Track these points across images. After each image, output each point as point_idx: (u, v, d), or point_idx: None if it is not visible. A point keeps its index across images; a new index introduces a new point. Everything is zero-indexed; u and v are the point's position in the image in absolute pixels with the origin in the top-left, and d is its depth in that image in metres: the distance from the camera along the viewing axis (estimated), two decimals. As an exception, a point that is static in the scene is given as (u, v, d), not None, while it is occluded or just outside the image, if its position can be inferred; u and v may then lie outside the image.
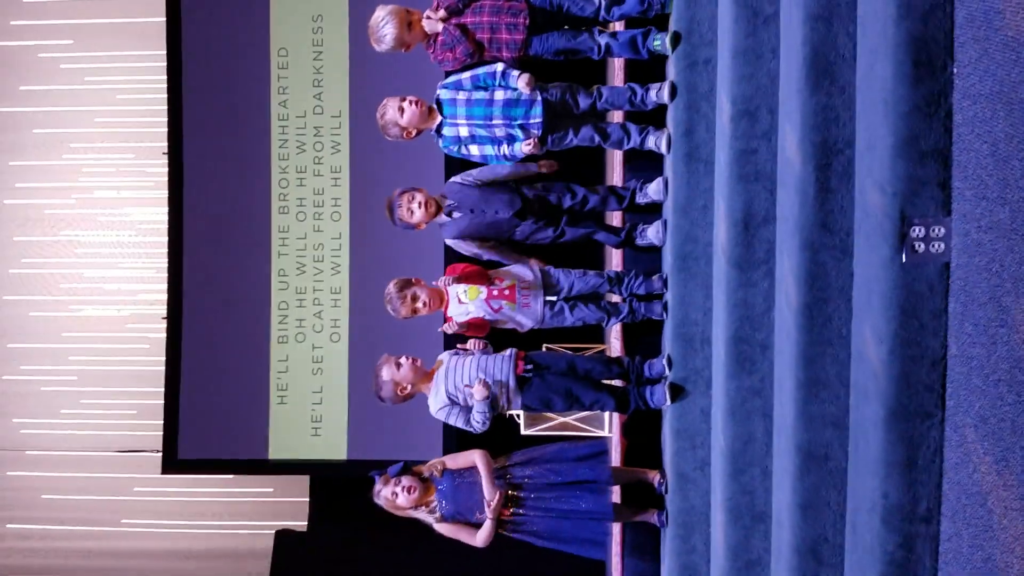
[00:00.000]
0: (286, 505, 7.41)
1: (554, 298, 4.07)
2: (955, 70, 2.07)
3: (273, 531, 7.19)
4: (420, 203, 4.03)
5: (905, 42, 2.10)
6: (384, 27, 3.91)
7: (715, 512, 3.56)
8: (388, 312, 4.07)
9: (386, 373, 3.97)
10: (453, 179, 4.19)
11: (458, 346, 4.14)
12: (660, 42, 3.88)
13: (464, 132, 3.97)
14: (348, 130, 6.81)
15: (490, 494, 3.91)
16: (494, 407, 3.94)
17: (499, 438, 4.55)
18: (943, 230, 2.12)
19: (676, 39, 3.78)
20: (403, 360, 3.96)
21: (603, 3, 3.91)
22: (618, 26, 4.28)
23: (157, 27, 6.97)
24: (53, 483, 7.62)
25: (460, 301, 4.04)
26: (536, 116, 3.92)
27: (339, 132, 6.84)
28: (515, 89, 3.91)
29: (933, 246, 2.12)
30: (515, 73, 3.89)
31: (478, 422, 3.94)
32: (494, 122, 3.93)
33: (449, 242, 4.18)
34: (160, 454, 6.97)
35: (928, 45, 2.08)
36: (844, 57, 2.51)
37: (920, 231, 2.13)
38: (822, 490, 2.63)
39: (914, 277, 2.14)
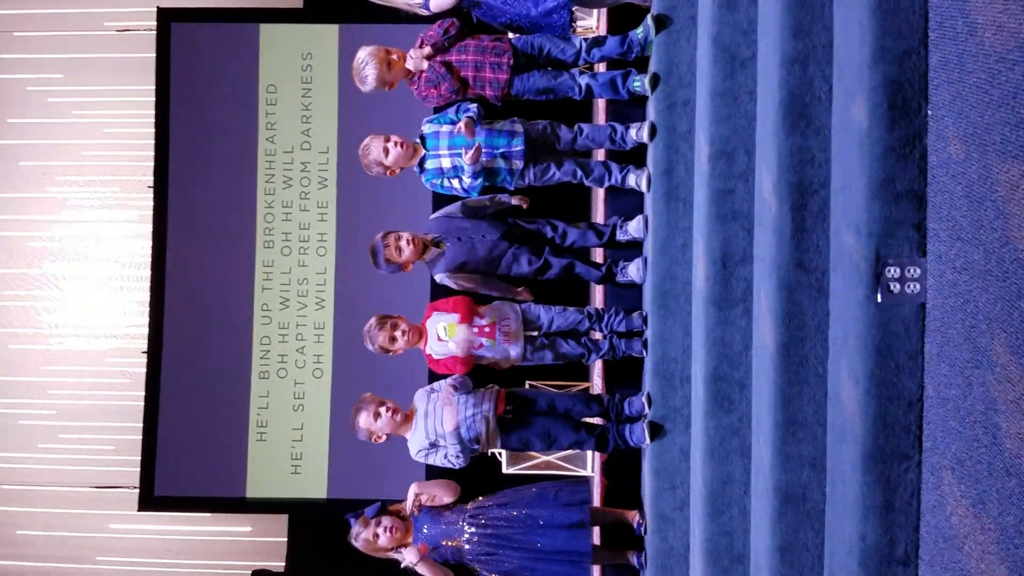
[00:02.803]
0: (264, 545, 7.30)
1: (534, 334, 4.06)
2: (930, 112, 2.09)
3: (250, 571, 7.08)
4: (408, 241, 4.03)
5: (880, 85, 2.12)
6: (365, 68, 3.96)
7: (694, 554, 3.51)
8: (366, 347, 4.05)
9: (363, 421, 3.93)
10: (434, 215, 4.21)
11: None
12: (640, 83, 3.93)
13: (446, 164, 3.99)
14: (335, 166, 6.82)
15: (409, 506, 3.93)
16: (472, 443, 3.92)
17: (481, 477, 4.51)
18: (918, 271, 2.12)
19: (655, 81, 3.81)
20: (383, 411, 3.91)
21: (584, 45, 3.97)
22: (599, 67, 4.33)
23: (146, 62, 7.01)
24: (29, 519, 7.49)
25: (440, 339, 4.02)
26: (518, 146, 3.94)
27: (326, 168, 6.85)
28: (498, 121, 3.97)
29: (908, 287, 2.12)
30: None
31: (453, 456, 3.92)
32: None
33: (439, 278, 4.15)
34: (137, 491, 6.87)
35: (903, 88, 2.10)
36: (820, 99, 2.53)
37: (895, 272, 2.13)
38: (800, 532, 2.60)
39: (890, 317, 2.13)
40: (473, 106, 3.96)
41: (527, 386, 5.22)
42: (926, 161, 2.10)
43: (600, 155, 4.45)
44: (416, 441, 3.95)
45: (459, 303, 4.04)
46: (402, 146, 3.97)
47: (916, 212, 2.11)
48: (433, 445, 3.93)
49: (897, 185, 2.11)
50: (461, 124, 3.90)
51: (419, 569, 3.95)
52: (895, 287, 2.13)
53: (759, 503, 2.86)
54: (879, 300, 2.14)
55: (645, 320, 4.00)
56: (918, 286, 2.12)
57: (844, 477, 2.29)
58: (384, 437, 3.98)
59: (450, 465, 3.96)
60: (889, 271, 2.13)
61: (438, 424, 3.90)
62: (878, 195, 2.13)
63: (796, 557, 2.62)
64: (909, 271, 2.12)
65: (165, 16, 6.86)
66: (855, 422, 2.21)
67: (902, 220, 2.11)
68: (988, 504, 1.81)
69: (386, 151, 3.98)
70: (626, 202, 4.26)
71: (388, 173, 4.06)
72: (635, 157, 4.12)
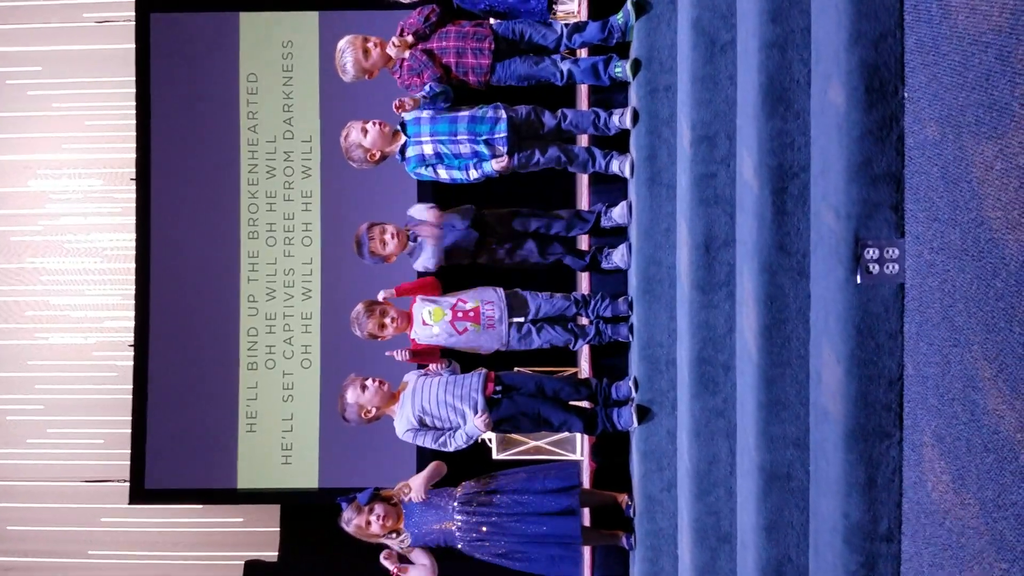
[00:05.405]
0: (256, 535, 7.31)
1: (521, 320, 4.08)
2: (906, 95, 2.11)
3: (243, 562, 7.10)
4: (392, 234, 4.05)
5: (857, 68, 2.13)
6: (343, 57, 3.98)
7: (682, 534, 3.56)
8: (354, 333, 4.06)
9: (351, 395, 3.95)
10: (411, 210, 4.23)
11: (429, 367, 4.13)
12: (621, 69, 3.93)
13: (428, 150, 3.99)
14: (319, 155, 6.80)
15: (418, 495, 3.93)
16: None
17: (472, 462, 4.53)
18: (897, 252, 2.15)
19: (637, 66, 3.82)
20: (369, 383, 3.94)
21: (565, 31, 3.97)
22: (581, 53, 4.33)
23: (126, 53, 6.96)
24: (19, 514, 7.48)
25: (425, 323, 4.04)
26: (501, 132, 3.94)
27: (310, 157, 6.83)
28: (480, 106, 3.96)
29: (887, 267, 2.15)
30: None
31: (461, 443, 3.93)
32: (459, 138, 3.95)
33: (419, 268, 4.18)
34: (127, 484, 6.87)
35: (880, 71, 2.12)
36: (798, 83, 2.55)
37: (874, 253, 2.16)
38: (785, 510, 2.64)
39: (869, 298, 2.16)
40: (427, 87, 3.93)
41: (515, 371, 5.24)
42: (903, 143, 2.12)
43: (584, 141, 4.46)
44: (403, 419, 3.96)
45: (424, 284, 4.09)
46: (380, 125, 3.97)
47: (894, 194, 2.13)
48: (422, 425, 3.94)
49: (875, 167, 2.14)
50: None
51: (412, 557, 3.98)
52: (874, 268, 2.16)
53: (744, 483, 2.90)
54: (859, 281, 2.17)
55: (630, 305, 4.02)
56: (897, 267, 2.15)
57: (827, 456, 2.32)
58: (374, 411, 3.96)
59: (443, 448, 3.97)
60: (868, 252, 2.16)
61: (425, 402, 3.91)
62: (856, 177, 2.15)
63: (781, 535, 2.66)
64: (888, 252, 2.15)
65: (143, 6, 6.81)
66: (837, 401, 2.24)
67: (880, 202, 2.14)
68: (968, 479, 1.84)
69: (364, 131, 3.97)
70: (610, 188, 4.27)
71: (369, 157, 4.03)
72: (618, 143, 4.13)
